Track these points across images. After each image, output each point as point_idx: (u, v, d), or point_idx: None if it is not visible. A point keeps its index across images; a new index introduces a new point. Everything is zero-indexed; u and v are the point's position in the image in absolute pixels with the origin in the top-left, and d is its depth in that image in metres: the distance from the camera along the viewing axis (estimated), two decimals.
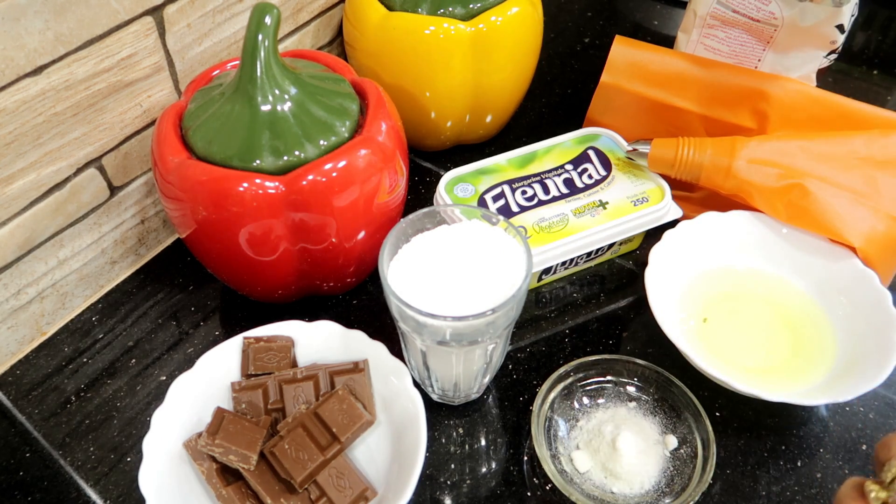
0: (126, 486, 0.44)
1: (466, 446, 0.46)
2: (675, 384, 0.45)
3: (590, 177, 0.55)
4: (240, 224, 0.43)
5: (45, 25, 0.42)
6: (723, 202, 0.54)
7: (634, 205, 0.53)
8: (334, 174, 0.43)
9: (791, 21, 0.57)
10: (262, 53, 0.43)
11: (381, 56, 0.58)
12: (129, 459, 0.46)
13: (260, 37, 0.42)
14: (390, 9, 0.57)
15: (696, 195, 0.58)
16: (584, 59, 0.77)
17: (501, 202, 0.53)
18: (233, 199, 0.42)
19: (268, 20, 0.42)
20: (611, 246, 0.55)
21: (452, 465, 0.45)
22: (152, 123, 0.53)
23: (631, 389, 0.47)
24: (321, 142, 0.44)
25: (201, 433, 0.42)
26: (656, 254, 0.50)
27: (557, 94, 0.72)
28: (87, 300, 0.55)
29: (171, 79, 0.52)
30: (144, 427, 0.43)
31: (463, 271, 0.41)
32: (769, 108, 0.55)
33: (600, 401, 0.47)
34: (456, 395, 0.47)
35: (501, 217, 0.43)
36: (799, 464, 0.45)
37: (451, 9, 0.55)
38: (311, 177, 0.42)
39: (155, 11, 0.48)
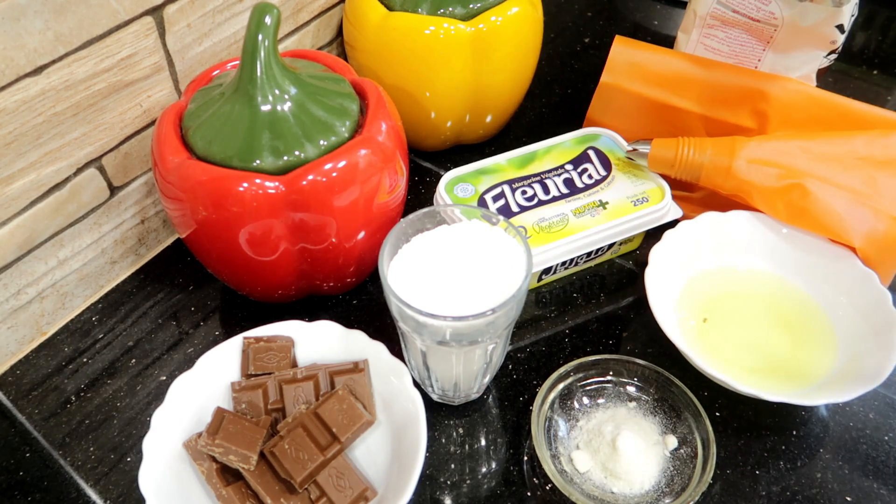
0: (126, 486, 0.44)
1: (466, 446, 0.46)
2: (675, 384, 0.45)
3: (590, 177, 0.55)
4: (240, 224, 0.43)
5: (45, 25, 0.42)
6: (723, 202, 0.54)
7: (634, 205, 0.53)
8: (334, 174, 0.43)
9: (791, 21, 0.57)
10: (262, 53, 0.43)
11: (381, 56, 0.58)
12: (129, 459, 0.46)
13: (260, 37, 0.42)
14: (390, 9, 0.57)
15: (696, 195, 0.58)
16: (584, 59, 0.77)
17: (501, 202, 0.53)
18: (233, 199, 0.42)
19: (268, 20, 0.42)
20: (611, 246, 0.55)
21: (452, 465, 0.45)
22: (152, 123, 0.53)
23: (631, 389, 0.47)
24: (321, 142, 0.44)
25: (201, 433, 0.42)
26: (656, 254, 0.50)
27: (557, 94, 0.72)
28: (87, 300, 0.55)
29: (171, 79, 0.52)
30: (144, 427, 0.43)
31: (463, 271, 0.41)
32: (769, 108, 0.55)
33: (600, 401, 0.47)
34: (456, 395, 0.47)
35: (501, 217, 0.43)
36: (799, 464, 0.45)
37: (451, 9, 0.55)
38: (311, 177, 0.42)
39: (155, 11, 0.48)
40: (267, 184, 0.42)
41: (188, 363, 0.46)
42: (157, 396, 0.49)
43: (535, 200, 0.53)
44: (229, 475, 0.41)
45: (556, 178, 0.55)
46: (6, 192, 0.45)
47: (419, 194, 0.63)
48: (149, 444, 0.41)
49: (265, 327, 0.47)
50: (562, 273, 0.55)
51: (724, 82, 0.57)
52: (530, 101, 0.70)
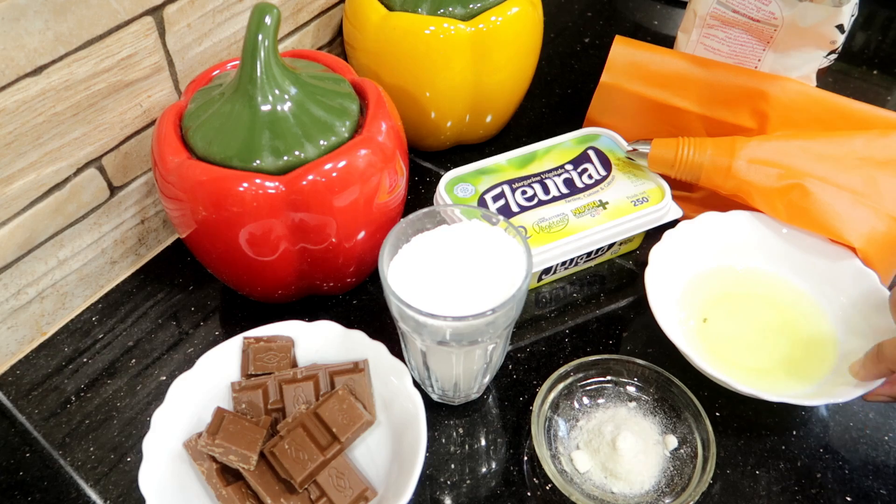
0: (126, 486, 0.44)
1: (466, 446, 0.46)
2: (675, 384, 0.45)
3: (590, 177, 0.55)
4: (240, 224, 0.43)
5: (45, 25, 0.42)
6: (723, 202, 0.54)
7: (634, 205, 0.53)
8: (334, 174, 0.43)
9: (791, 21, 0.57)
10: (262, 53, 0.43)
11: (381, 56, 0.58)
12: (129, 459, 0.46)
13: (260, 37, 0.42)
14: (390, 9, 0.57)
15: (696, 195, 0.58)
16: (584, 59, 0.77)
17: (501, 202, 0.53)
18: (233, 199, 0.42)
19: (268, 20, 0.42)
20: (611, 246, 0.55)
21: (452, 465, 0.45)
22: (152, 123, 0.53)
23: (631, 389, 0.47)
24: (321, 142, 0.44)
25: (201, 433, 0.42)
26: (656, 254, 0.50)
27: (557, 94, 0.72)
28: (87, 300, 0.55)
29: (171, 79, 0.52)
30: (144, 427, 0.43)
31: (463, 271, 0.41)
32: (769, 108, 0.55)
33: (600, 401, 0.47)
34: (456, 395, 0.47)
35: (501, 217, 0.43)
36: (799, 464, 0.45)
37: (451, 9, 0.55)
38: (311, 177, 0.42)
39: (155, 11, 0.48)
40: (267, 184, 0.42)
41: (188, 363, 0.46)
42: (157, 396, 0.49)
43: (535, 200, 0.53)
44: (229, 475, 0.41)
45: (556, 178, 0.55)
46: (6, 192, 0.45)
47: (419, 194, 0.63)
48: (149, 444, 0.41)
49: (265, 327, 0.47)
50: (562, 273, 0.55)
51: (724, 82, 0.57)
52: (530, 101, 0.70)
